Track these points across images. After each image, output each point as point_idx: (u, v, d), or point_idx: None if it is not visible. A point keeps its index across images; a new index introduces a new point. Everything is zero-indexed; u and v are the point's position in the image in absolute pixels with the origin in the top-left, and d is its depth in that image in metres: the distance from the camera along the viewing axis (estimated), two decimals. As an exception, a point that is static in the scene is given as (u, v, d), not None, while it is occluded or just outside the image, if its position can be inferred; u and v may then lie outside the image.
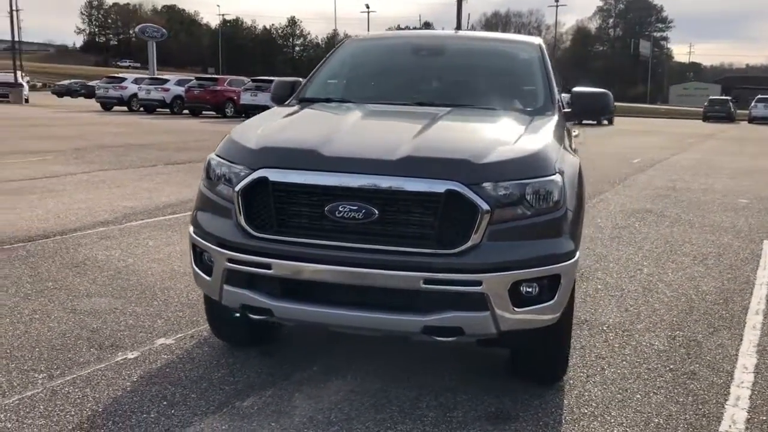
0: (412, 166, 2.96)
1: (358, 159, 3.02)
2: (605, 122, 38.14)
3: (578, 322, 4.61)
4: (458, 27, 35.48)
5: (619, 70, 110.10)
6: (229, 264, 3.13)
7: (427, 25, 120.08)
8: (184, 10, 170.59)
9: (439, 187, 2.89)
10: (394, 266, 2.90)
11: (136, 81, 34.54)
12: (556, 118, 3.87)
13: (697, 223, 8.42)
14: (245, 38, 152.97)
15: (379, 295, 2.97)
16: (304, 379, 3.59)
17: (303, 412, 3.23)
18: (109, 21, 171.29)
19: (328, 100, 4.28)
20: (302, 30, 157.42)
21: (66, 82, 61.94)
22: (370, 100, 4.17)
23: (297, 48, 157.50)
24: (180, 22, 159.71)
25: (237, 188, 3.10)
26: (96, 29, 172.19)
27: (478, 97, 4.20)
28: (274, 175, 3.03)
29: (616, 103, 51.38)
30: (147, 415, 3.17)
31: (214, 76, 35.19)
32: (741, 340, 4.42)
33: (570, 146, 3.89)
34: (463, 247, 2.89)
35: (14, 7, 60.17)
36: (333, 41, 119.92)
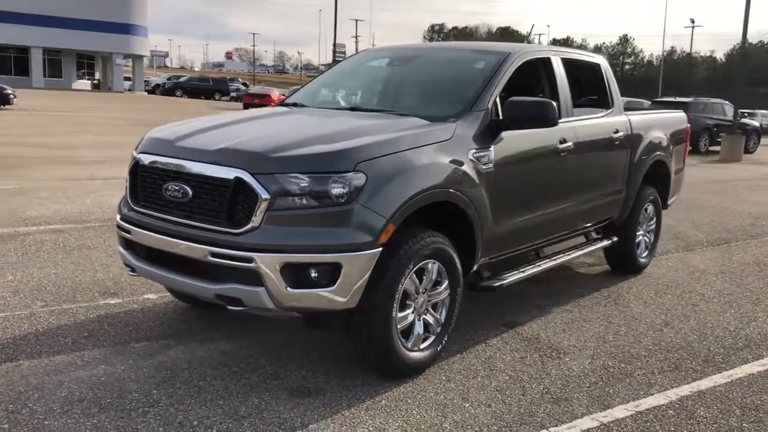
0: (219, 155, 3.46)
1: (189, 148, 3.62)
2: None
3: (528, 338, 4.51)
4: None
5: None
6: (118, 230, 3.94)
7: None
8: (517, 31, 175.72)
9: (230, 174, 3.35)
10: (193, 239, 3.44)
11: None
12: (452, 125, 3.93)
13: None
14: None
15: (191, 262, 3.51)
16: (203, 339, 4.24)
17: (162, 358, 3.90)
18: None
19: (294, 105, 4.85)
20: (634, 48, 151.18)
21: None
22: (321, 105, 4.65)
23: (627, 66, 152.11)
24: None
25: (128, 169, 3.90)
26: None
27: (403, 104, 4.41)
28: (142, 159, 3.78)
29: None
30: (65, 339, 4.12)
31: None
32: (688, 384, 3.91)
33: (462, 150, 3.89)
34: (244, 228, 3.31)
35: (356, 34, 68.43)
36: (671, 57, 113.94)
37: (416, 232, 3.64)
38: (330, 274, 3.29)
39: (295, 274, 3.28)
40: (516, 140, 4.30)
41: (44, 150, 13.94)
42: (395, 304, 3.54)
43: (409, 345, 3.73)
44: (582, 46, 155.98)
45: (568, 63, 5.16)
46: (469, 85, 4.36)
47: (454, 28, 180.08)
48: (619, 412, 3.52)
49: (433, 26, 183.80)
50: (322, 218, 3.30)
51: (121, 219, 3.89)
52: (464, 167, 3.86)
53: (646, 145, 5.93)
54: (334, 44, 46.76)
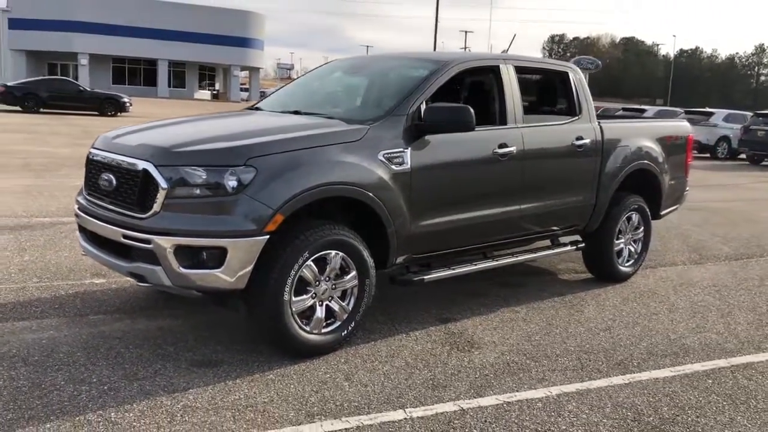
0: (136, 150, 3.97)
1: (119, 144, 4.15)
2: None
3: (453, 332, 4.72)
4: None
5: None
6: (75, 216, 4.54)
7: None
8: (642, 41, 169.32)
9: (140, 165, 3.84)
10: (111, 222, 3.95)
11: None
12: (365, 128, 4.23)
13: None
14: (702, 68, 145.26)
15: (112, 243, 4.02)
16: (151, 315, 4.73)
17: (105, 329, 4.44)
18: (568, 54, 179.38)
19: (256, 109, 5.31)
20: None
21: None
22: (273, 109, 5.11)
23: (762, 78, 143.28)
24: (636, 53, 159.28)
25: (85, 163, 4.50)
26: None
27: (337, 107, 4.77)
28: (91, 153, 4.35)
29: None
30: (36, 309, 4.75)
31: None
32: (580, 382, 4.00)
33: (370, 151, 4.18)
34: (148, 213, 3.78)
35: (465, 46, 68.83)
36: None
37: (314, 223, 3.98)
38: (218, 257, 3.69)
39: (188, 256, 3.71)
40: (441, 144, 4.53)
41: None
42: (287, 288, 3.88)
43: (308, 328, 4.05)
44: (712, 57, 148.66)
45: (523, 71, 5.31)
46: (397, 91, 4.65)
47: (575, 39, 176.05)
48: (488, 401, 3.69)
49: (552, 37, 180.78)
50: (213, 207, 3.72)
51: (77, 206, 4.47)
52: (371, 167, 4.15)
53: (624, 153, 5.93)
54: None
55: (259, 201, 3.72)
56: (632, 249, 6.33)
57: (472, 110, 4.39)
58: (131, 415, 3.34)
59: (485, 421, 3.47)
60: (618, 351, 4.53)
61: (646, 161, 6.15)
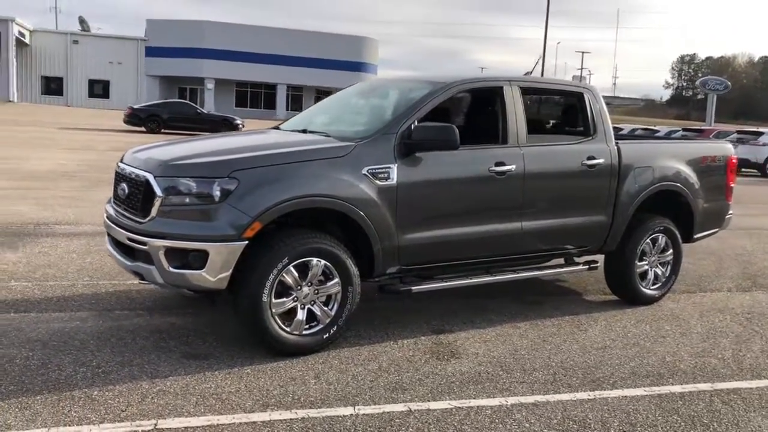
0: (144, 163, 4.48)
1: (135, 158, 4.68)
2: None
3: (441, 342, 4.90)
4: None
5: None
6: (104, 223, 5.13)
7: None
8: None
9: (143, 176, 4.35)
10: (122, 226, 4.47)
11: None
12: (351, 145, 4.55)
13: None
14: None
15: (122, 245, 4.54)
16: (166, 313, 5.22)
17: (124, 322, 4.96)
18: (699, 75, 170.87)
19: (277, 128, 5.75)
20: None
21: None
22: (287, 128, 5.54)
23: None
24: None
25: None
26: (684, 83, 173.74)
27: (337, 127, 5.12)
28: (118, 165, 4.93)
29: None
30: (74, 303, 5.37)
31: (701, 127, 33.42)
32: (542, 395, 4.10)
33: (354, 167, 4.48)
34: (147, 219, 4.27)
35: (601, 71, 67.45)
36: None
37: (294, 231, 4.33)
38: (201, 258, 4.11)
39: (177, 257, 4.15)
40: (433, 161, 4.76)
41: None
42: (266, 290, 4.22)
43: (289, 329, 4.38)
44: None
45: (533, 92, 5.45)
46: (392, 111, 4.94)
47: (708, 59, 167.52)
48: (439, 405, 3.85)
49: (682, 57, 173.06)
50: (198, 214, 4.16)
51: (105, 214, 5.05)
52: (353, 181, 4.45)
53: (644, 174, 5.87)
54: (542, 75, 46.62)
55: (239, 209, 4.11)
56: (659, 272, 6.22)
57: (455, 129, 4.60)
58: (110, 393, 3.78)
59: (426, 422, 3.64)
60: (600, 369, 4.55)
61: (672, 182, 6.05)
